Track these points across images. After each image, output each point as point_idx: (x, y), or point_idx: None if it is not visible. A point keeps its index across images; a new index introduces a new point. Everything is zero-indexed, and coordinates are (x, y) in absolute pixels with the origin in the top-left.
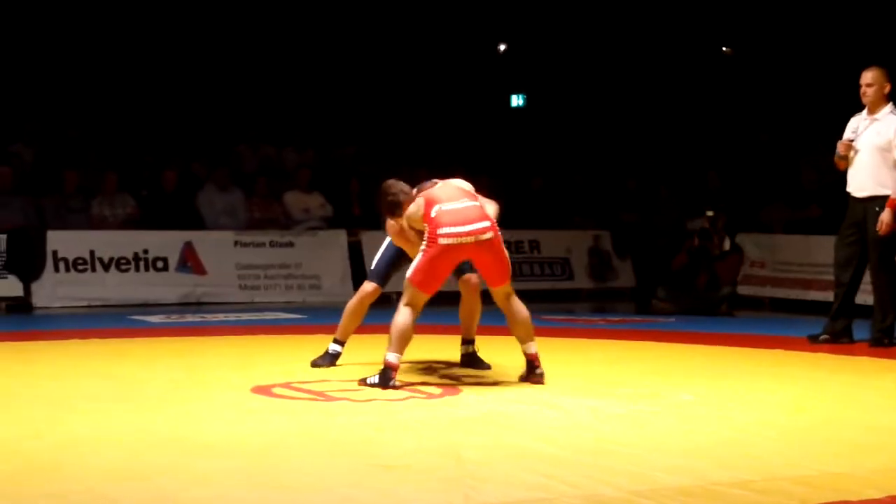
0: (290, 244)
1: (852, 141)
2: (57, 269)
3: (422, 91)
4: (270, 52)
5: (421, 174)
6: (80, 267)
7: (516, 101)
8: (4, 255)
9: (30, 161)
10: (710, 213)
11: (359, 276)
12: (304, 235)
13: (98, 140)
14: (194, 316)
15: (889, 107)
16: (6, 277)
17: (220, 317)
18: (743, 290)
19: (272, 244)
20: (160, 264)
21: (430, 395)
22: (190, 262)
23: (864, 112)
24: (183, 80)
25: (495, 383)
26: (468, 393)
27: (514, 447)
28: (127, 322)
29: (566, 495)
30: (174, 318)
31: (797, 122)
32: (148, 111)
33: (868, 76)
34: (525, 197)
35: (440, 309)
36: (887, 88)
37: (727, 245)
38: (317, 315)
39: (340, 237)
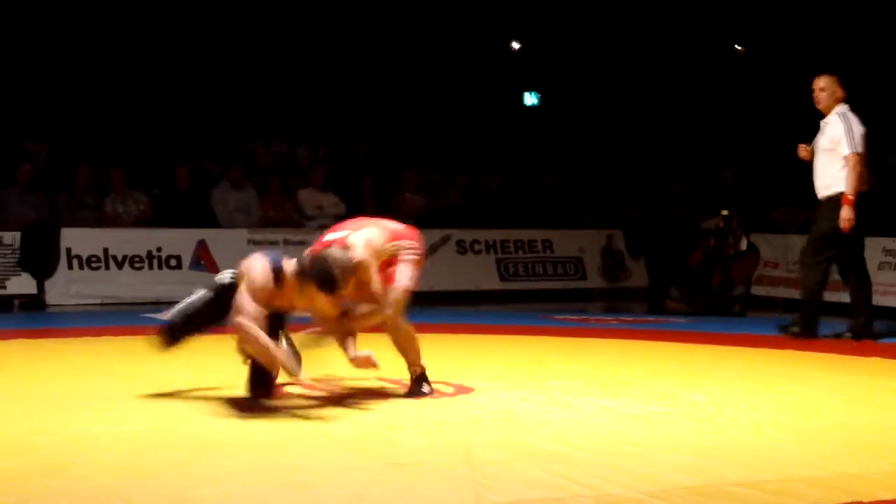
0: (304, 242)
1: (809, 143)
2: (70, 267)
3: (435, 89)
4: (284, 49)
5: (432, 172)
6: (93, 265)
7: (530, 99)
8: (18, 252)
9: (43, 157)
10: (724, 213)
11: None
12: (317, 234)
13: (112, 136)
14: None
15: (838, 108)
16: (20, 275)
17: None
18: (756, 290)
19: (286, 242)
20: (174, 262)
21: (443, 394)
22: (203, 260)
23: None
24: (196, 76)
25: (507, 383)
26: (480, 392)
27: (527, 446)
28: (140, 320)
29: (578, 495)
30: None
31: (811, 122)
32: (162, 108)
33: (821, 82)
34: (538, 196)
35: (454, 308)
36: (839, 94)
37: (743, 245)
38: None
39: None
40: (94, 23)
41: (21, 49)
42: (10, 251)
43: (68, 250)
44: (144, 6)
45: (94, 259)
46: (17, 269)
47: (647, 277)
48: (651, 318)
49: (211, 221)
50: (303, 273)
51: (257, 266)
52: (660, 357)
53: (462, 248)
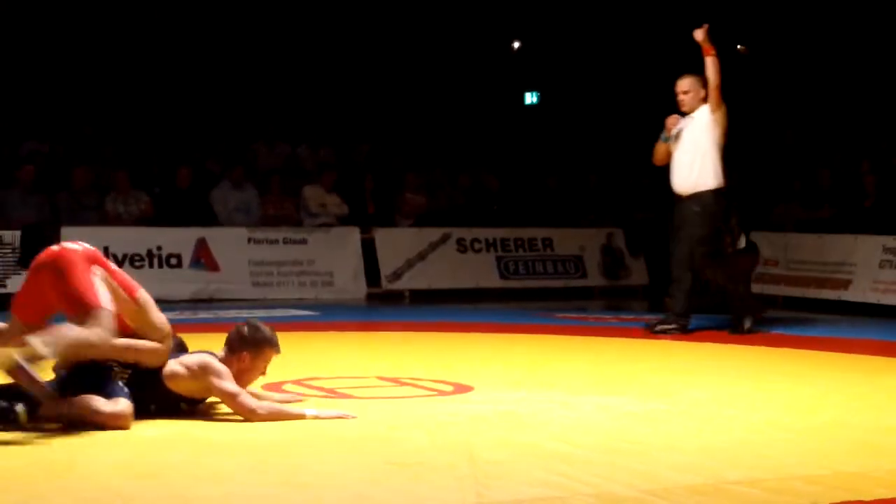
0: (304, 241)
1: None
2: None
3: (436, 89)
4: (286, 49)
5: (436, 173)
6: None
7: (530, 98)
8: (19, 251)
9: (44, 158)
10: None
11: (372, 273)
12: (317, 232)
13: (113, 137)
14: (207, 312)
15: (704, 106)
16: (20, 273)
17: (233, 313)
18: (756, 288)
19: (285, 241)
20: (174, 261)
21: (443, 393)
22: (203, 258)
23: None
24: (198, 77)
25: (507, 381)
26: (481, 391)
27: (527, 445)
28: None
29: (579, 493)
30: (187, 315)
31: (812, 121)
32: (163, 108)
33: (684, 84)
34: (539, 195)
35: (455, 306)
36: (703, 93)
37: (742, 243)
38: (329, 312)
39: (354, 234)
40: (95, 24)
41: (22, 50)
42: (10, 250)
43: None
44: (147, 7)
45: None
46: (18, 267)
47: (648, 276)
48: (651, 317)
49: (211, 220)
50: None
51: None
52: (660, 355)
53: (462, 246)
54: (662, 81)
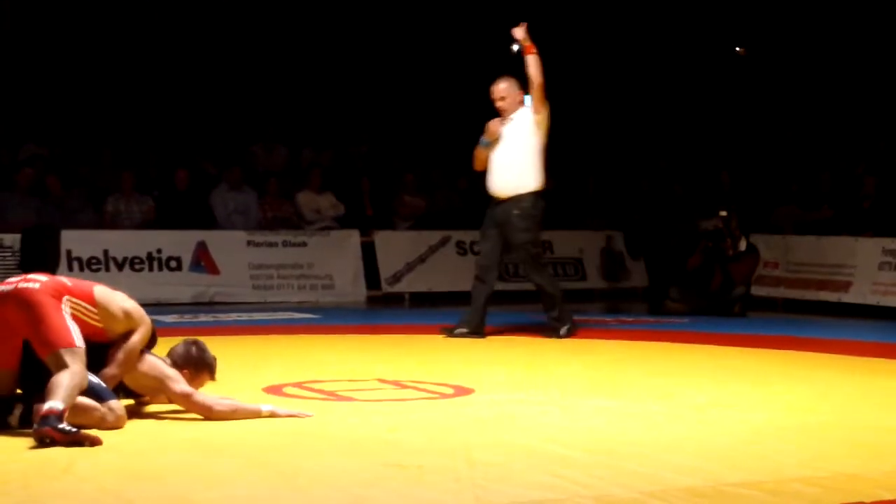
0: (303, 244)
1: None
2: (71, 269)
3: (434, 90)
4: (283, 51)
5: (434, 175)
6: (93, 266)
7: (527, 101)
8: (18, 254)
9: (43, 161)
10: (723, 214)
11: (371, 275)
12: (316, 235)
13: (110, 139)
14: (207, 315)
15: (523, 108)
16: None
17: (233, 316)
18: (756, 290)
19: (285, 244)
20: (173, 264)
21: (443, 395)
22: (203, 261)
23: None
24: (196, 80)
25: (507, 384)
26: (480, 393)
27: (526, 447)
28: None
29: (577, 495)
30: (187, 318)
31: (811, 123)
32: (161, 110)
33: (500, 89)
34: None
35: (455, 309)
36: (520, 97)
37: (742, 245)
38: (329, 315)
39: (353, 237)
40: (92, 26)
41: (21, 53)
42: (10, 253)
43: (68, 252)
44: (145, 10)
45: (94, 261)
46: (18, 271)
47: (647, 278)
48: (651, 319)
49: (210, 223)
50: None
51: None
52: (659, 357)
53: (462, 249)
54: (659, 83)
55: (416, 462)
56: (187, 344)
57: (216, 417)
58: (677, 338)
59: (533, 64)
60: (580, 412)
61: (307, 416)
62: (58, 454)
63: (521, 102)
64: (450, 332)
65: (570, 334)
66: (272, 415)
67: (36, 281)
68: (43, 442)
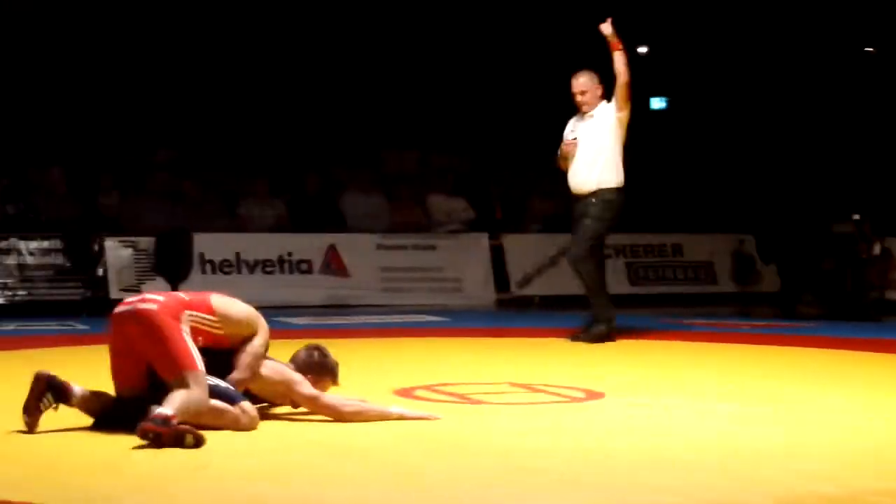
0: (433, 247)
1: (576, 139)
2: (204, 271)
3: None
4: (415, 55)
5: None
6: (225, 269)
7: (657, 103)
8: (153, 257)
9: (177, 165)
10: (856, 217)
11: (500, 279)
12: (446, 239)
13: (243, 144)
14: (338, 318)
15: (603, 102)
16: (154, 279)
17: (363, 319)
18: (891, 294)
19: (414, 247)
20: (304, 267)
21: (573, 399)
22: (334, 264)
23: (579, 114)
24: (328, 84)
25: (638, 388)
26: (611, 397)
27: (658, 452)
28: (271, 324)
29: (709, 502)
30: (318, 321)
31: None
32: (292, 115)
33: (581, 83)
34: (668, 201)
35: (583, 313)
36: (600, 91)
37: (877, 249)
38: (459, 318)
39: (482, 241)
40: (225, 29)
41: (156, 58)
42: (144, 256)
43: (201, 255)
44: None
45: (226, 264)
46: (152, 273)
47: (779, 282)
48: (783, 323)
49: (341, 226)
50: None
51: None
52: (792, 362)
53: None
54: (790, 85)
55: (544, 466)
56: (309, 349)
57: (345, 419)
58: (810, 342)
59: (620, 61)
60: (711, 417)
61: (436, 418)
62: (191, 456)
63: (602, 97)
64: (576, 337)
65: (596, 339)
66: (401, 417)
67: (154, 301)
68: (146, 437)
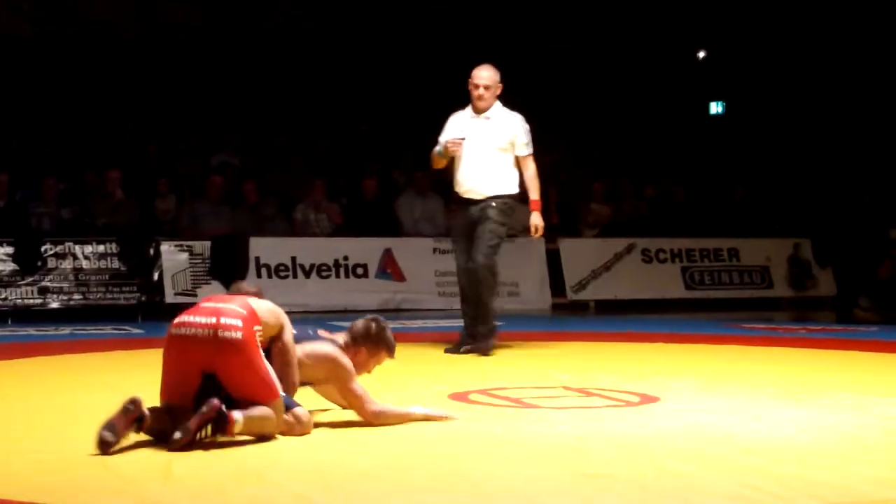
0: None
1: (464, 138)
2: (259, 276)
3: (618, 99)
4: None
5: (623, 184)
6: (281, 273)
7: (715, 108)
8: (209, 261)
9: (234, 169)
10: None
11: (557, 283)
12: (502, 243)
13: (300, 148)
14: (394, 322)
15: (498, 104)
16: (210, 283)
17: (419, 323)
18: None
19: None
20: (360, 271)
21: (629, 404)
22: (389, 268)
23: (468, 111)
24: (385, 90)
25: (693, 392)
26: (666, 402)
27: (715, 457)
28: (327, 328)
29: None
30: None
31: None
32: (349, 120)
33: (484, 77)
34: (725, 205)
35: (640, 317)
36: (499, 91)
37: None
38: (515, 322)
39: (538, 244)
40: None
41: (214, 64)
42: (200, 260)
43: (257, 259)
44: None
45: (282, 268)
46: (208, 277)
47: (836, 286)
48: (840, 328)
49: (396, 230)
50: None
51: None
52: (850, 367)
53: (647, 256)
54: (849, 90)
55: (603, 471)
56: (368, 320)
57: (365, 417)
58: (866, 347)
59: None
60: (770, 421)
61: (455, 418)
62: (251, 462)
63: (498, 96)
64: (455, 351)
65: (486, 353)
66: (426, 418)
67: (237, 329)
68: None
